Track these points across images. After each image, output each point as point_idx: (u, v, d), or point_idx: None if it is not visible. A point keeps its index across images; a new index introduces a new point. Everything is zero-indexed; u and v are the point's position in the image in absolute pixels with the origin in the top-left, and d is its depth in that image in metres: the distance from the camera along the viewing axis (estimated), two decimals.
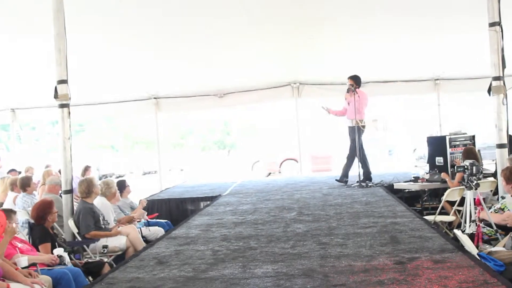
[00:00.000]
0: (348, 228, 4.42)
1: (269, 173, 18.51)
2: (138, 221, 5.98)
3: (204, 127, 41.47)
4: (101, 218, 5.31)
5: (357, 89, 7.31)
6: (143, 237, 5.61)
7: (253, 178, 12.33)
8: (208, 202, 7.14)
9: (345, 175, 7.65)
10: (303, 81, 9.76)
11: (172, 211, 7.44)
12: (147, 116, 10.84)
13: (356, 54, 8.17)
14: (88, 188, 5.35)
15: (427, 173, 6.82)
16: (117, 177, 25.04)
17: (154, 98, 10.26)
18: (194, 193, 8.17)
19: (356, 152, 7.28)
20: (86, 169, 8.50)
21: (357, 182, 7.30)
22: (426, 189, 6.73)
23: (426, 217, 5.22)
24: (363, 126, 7.35)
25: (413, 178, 6.91)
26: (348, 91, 7.43)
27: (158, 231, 5.90)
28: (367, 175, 7.47)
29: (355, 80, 7.40)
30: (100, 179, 20.51)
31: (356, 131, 7.25)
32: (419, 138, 14.46)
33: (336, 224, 4.68)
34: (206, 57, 8.04)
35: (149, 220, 6.32)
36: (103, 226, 5.28)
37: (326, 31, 7.32)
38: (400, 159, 14.88)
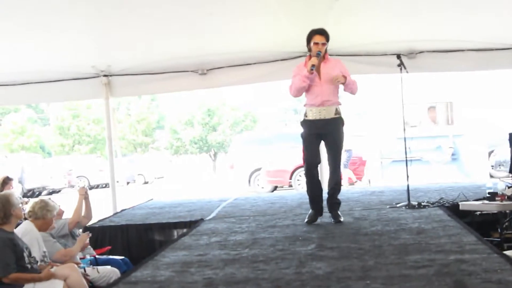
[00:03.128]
0: (391, 269, 4.44)
1: (275, 187, 18.54)
2: (81, 258, 5.98)
3: (179, 119, 41.50)
4: (25, 254, 5.30)
5: (327, 55, 6.82)
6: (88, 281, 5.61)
7: (251, 195, 12.33)
8: (185, 230, 7.19)
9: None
10: (332, 50, 9.59)
11: (132, 243, 7.50)
12: (93, 102, 10.85)
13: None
14: (3, 209, 5.29)
15: (509, 187, 6.83)
16: (49, 193, 25.14)
17: (104, 75, 10.27)
18: (164, 217, 8.19)
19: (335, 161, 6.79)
20: (6, 182, 8.49)
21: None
22: (507, 211, 6.74)
23: (508, 252, 5.21)
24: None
25: (488, 195, 6.93)
26: (318, 56, 6.56)
27: (110, 272, 5.92)
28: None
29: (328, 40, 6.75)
30: (25, 196, 20.27)
31: (341, 126, 6.74)
32: (498, 136, 14.50)
33: (373, 262, 4.70)
34: (182, 14, 8.03)
35: (97, 256, 6.31)
36: (29, 266, 5.27)
37: None
38: (469, 166, 14.89)
